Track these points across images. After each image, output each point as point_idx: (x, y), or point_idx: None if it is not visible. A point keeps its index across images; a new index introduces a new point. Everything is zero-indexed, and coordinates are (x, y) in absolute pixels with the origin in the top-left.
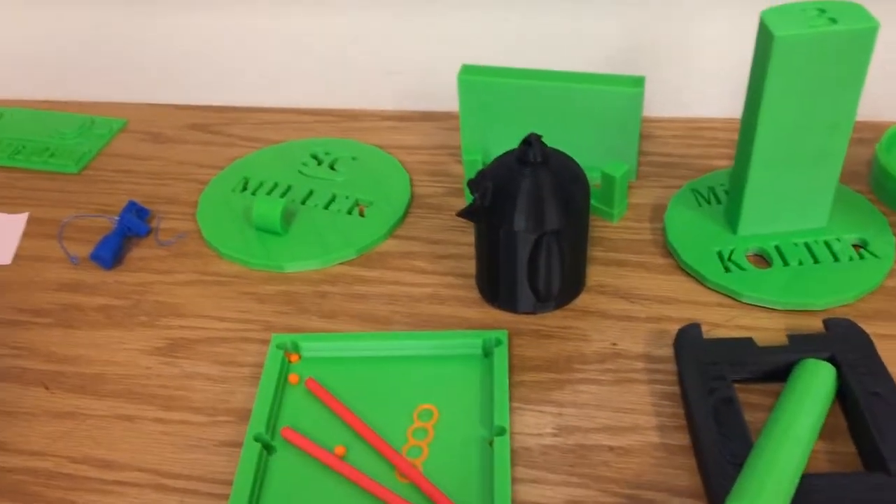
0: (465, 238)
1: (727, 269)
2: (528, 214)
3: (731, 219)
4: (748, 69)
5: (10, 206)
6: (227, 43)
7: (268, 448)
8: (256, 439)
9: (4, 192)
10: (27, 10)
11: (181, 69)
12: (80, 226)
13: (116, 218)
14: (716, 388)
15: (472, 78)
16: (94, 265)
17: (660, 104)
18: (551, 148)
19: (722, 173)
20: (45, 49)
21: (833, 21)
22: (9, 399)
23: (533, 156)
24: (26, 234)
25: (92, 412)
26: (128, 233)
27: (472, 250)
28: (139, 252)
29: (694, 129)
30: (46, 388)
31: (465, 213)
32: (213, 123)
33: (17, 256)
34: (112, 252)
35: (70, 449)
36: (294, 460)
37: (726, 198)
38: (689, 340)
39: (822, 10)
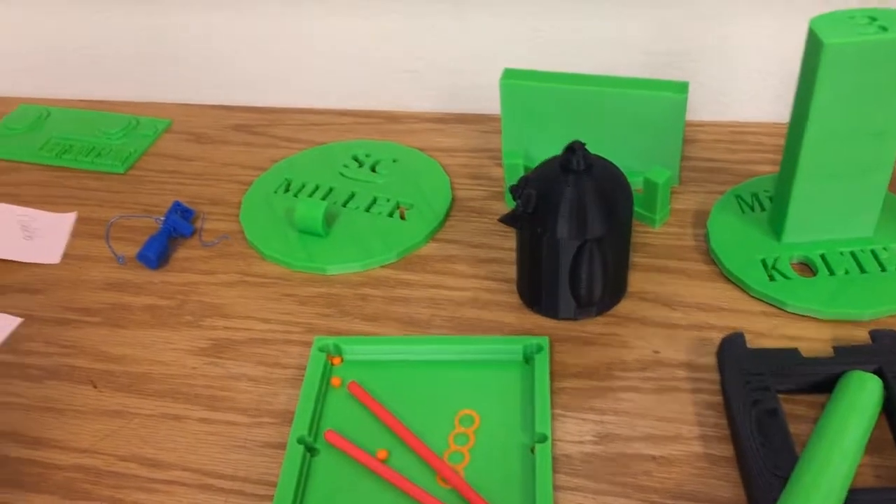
0: (507, 242)
1: (771, 278)
2: (570, 222)
3: (776, 226)
4: (792, 72)
5: (59, 205)
6: (269, 44)
7: (311, 450)
8: (299, 441)
9: (53, 191)
10: (72, 12)
11: (224, 70)
12: (126, 226)
13: (162, 218)
14: (760, 399)
15: (514, 82)
16: (140, 265)
17: (702, 108)
18: (594, 155)
19: (766, 179)
20: (89, 50)
21: (884, 29)
22: (59, 397)
23: (576, 163)
24: (74, 234)
25: (139, 411)
26: (173, 233)
27: (513, 255)
28: (184, 252)
29: (737, 133)
30: (95, 386)
31: (508, 220)
32: (256, 124)
33: (65, 255)
34: (157, 252)
35: (118, 447)
36: (336, 463)
37: (770, 204)
38: (732, 350)
39: (873, 18)
